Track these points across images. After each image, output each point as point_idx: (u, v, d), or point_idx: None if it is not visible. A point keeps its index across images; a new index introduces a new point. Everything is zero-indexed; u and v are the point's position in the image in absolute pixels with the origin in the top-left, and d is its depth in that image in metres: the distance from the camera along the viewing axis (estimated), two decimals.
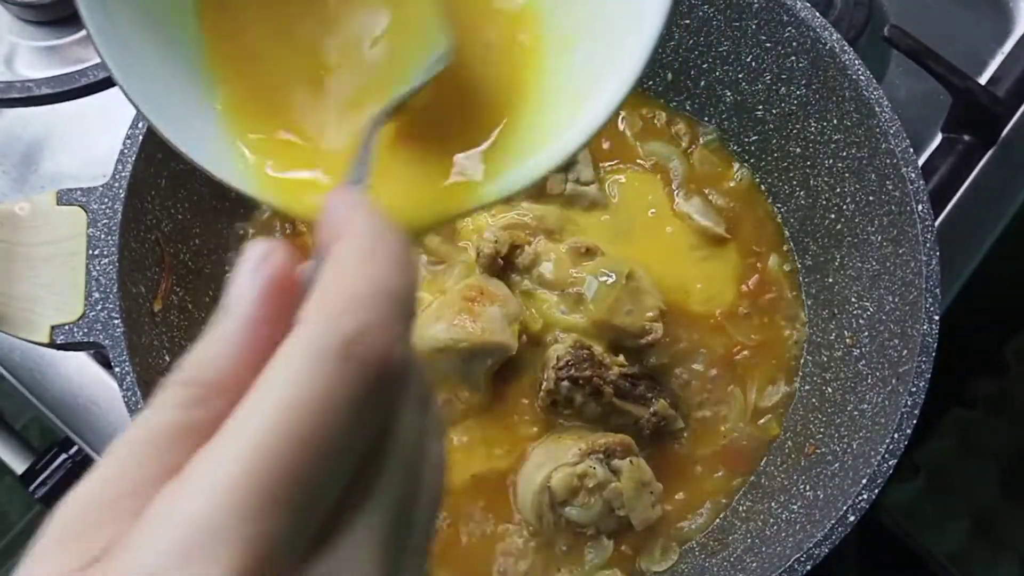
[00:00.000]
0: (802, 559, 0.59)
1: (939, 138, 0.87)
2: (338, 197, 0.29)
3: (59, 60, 0.91)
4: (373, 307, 0.25)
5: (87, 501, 0.25)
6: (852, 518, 0.59)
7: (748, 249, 0.79)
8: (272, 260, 0.28)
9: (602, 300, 0.71)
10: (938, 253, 0.64)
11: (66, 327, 0.60)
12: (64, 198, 0.63)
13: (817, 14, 0.69)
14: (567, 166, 0.77)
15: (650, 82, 0.83)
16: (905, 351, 0.64)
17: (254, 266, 0.28)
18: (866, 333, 0.70)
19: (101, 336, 0.60)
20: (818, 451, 0.69)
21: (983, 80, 0.89)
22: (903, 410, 0.61)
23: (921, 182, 0.65)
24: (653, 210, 0.79)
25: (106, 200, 0.63)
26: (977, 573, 0.97)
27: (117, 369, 0.60)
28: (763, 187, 0.81)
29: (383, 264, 0.26)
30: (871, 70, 0.68)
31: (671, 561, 0.69)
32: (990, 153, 0.85)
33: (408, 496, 0.28)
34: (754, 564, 0.64)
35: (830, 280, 0.75)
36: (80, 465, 0.80)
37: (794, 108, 0.74)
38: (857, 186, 0.71)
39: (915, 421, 0.61)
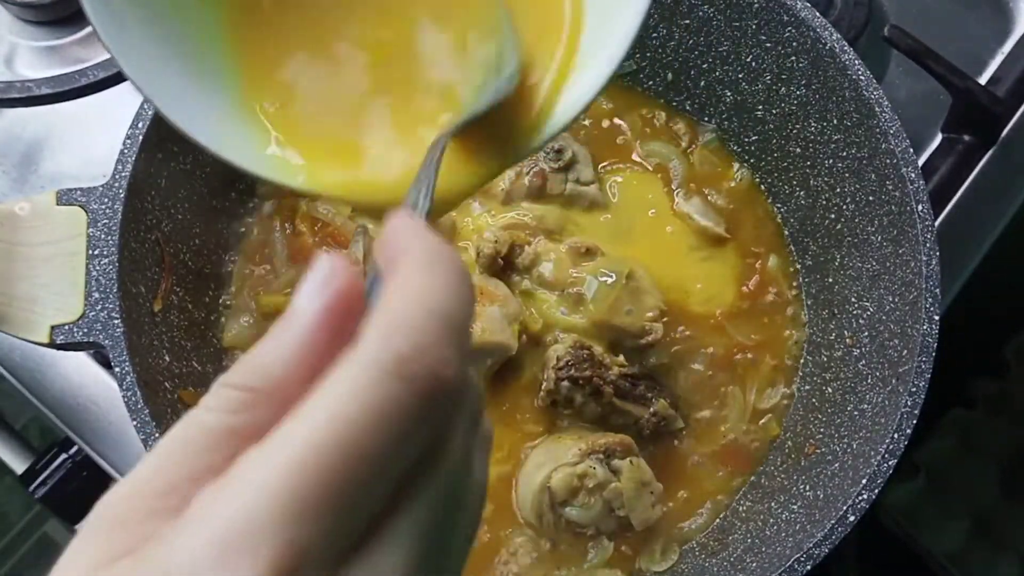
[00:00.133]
0: (802, 559, 0.59)
1: (939, 138, 0.87)
2: (400, 221, 0.30)
3: (59, 60, 0.91)
4: (428, 329, 0.26)
5: (127, 496, 0.26)
6: (852, 518, 0.59)
7: (748, 249, 0.79)
8: (341, 278, 0.28)
9: (602, 300, 0.71)
10: (938, 253, 0.64)
11: (66, 327, 0.60)
12: (64, 198, 0.63)
13: (817, 14, 0.69)
14: (567, 166, 0.77)
15: (650, 82, 0.83)
16: (905, 351, 0.64)
17: (323, 281, 0.28)
18: (866, 333, 0.70)
19: (101, 336, 0.60)
20: (818, 451, 0.69)
21: (983, 80, 0.89)
22: (903, 410, 0.61)
23: (921, 182, 0.65)
24: (653, 210, 0.79)
25: (106, 200, 0.63)
26: (977, 573, 0.97)
27: (117, 369, 0.60)
28: (763, 187, 0.81)
29: (440, 288, 0.27)
30: (871, 70, 0.68)
31: (671, 561, 0.69)
32: (990, 153, 0.85)
33: (448, 515, 0.29)
34: (754, 564, 0.64)
35: (830, 280, 0.75)
36: (80, 465, 0.80)
37: (794, 108, 0.74)
38: (857, 186, 0.71)
39: (915, 421, 0.61)
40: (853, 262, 0.72)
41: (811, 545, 0.59)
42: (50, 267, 0.61)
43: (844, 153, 0.71)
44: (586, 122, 0.82)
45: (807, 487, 0.67)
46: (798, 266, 0.79)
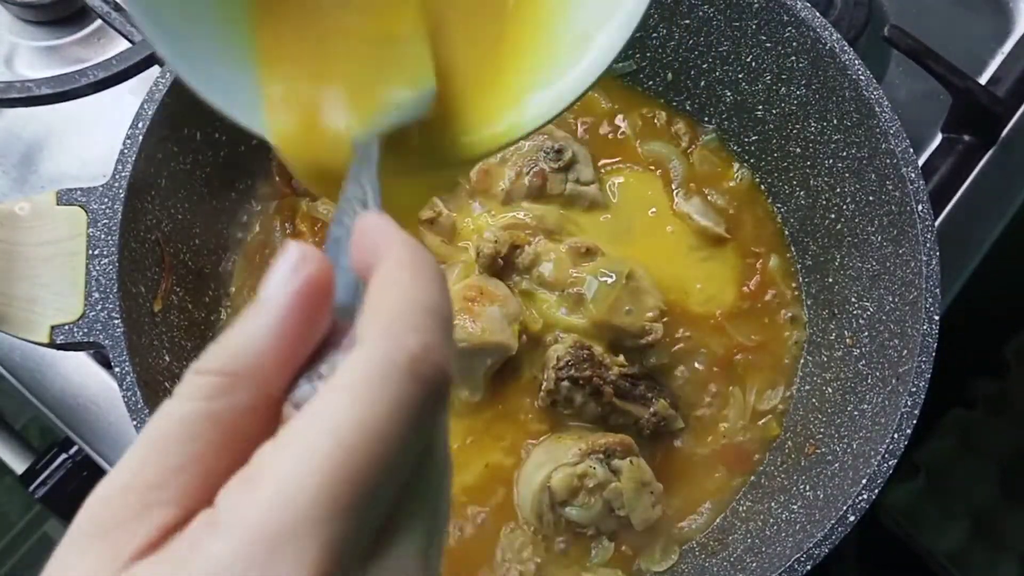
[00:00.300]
0: (802, 559, 0.59)
1: (939, 138, 0.87)
2: (373, 220, 0.30)
3: (59, 60, 0.91)
4: (432, 328, 0.27)
5: (117, 494, 0.26)
6: (852, 518, 0.59)
7: (748, 249, 0.79)
8: (311, 264, 0.28)
9: (602, 300, 0.71)
10: (938, 253, 0.64)
11: (66, 327, 0.60)
12: (64, 198, 0.63)
13: (817, 14, 0.69)
14: (567, 166, 0.77)
15: (650, 82, 0.83)
16: (905, 351, 0.64)
17: (293, 267, 0.28)
18: (866, 333, 0.70)
19: (101, 336, 0.60)
20: (818, 451, 0.69)
21: (983, 80, 0.89)
22: (903, 410, 0.61)
23: (921, 182, 0.65)
24: (653, 209, 0.79)
25: (106, 200, 0.63)
26: (977, 573, 0.97)
27: (117, 369, 0.60)
28: (763, 187, 0.81)
29: (430, 285, 0.28)
30: (871, 70, 0.68)
31: (671, 561, 0.69)
32: (990, 153, 0.85)
33: (442, 500, 0.30)
34: (754, 564, 0.64)
35: (830, 280, 0.75)
36: (80, 465, 0.80)
37: (794, 108, 0.74)
38: (857, 186, 0.71)
39: (915, 421, 0.61)
40: (853, 262, 0.72)
41: (811, 545, 0.59)
42: (50, 267, 0.61)
43: (844, 153, 0.71)
44: (586, 122, 0.82)
45: (807, 487, 0.67)
46: (798, 266, 0.79)
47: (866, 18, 0.88)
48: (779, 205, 0.80)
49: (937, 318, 0.63)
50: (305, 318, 0.28)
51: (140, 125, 0.64)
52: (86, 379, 0.79)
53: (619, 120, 0.82)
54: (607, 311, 0.71)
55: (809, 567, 0.59)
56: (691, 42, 0.78)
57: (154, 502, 0.25)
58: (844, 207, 0.73)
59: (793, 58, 0.72)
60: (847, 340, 0.72)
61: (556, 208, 0.77)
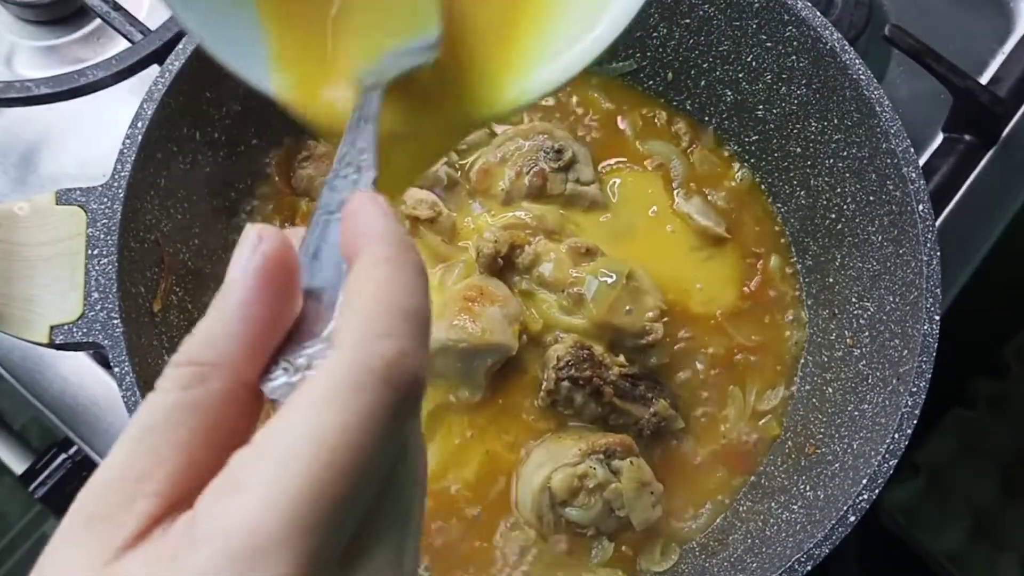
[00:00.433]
0: (802, 559, 0.59)
1: (940, 138, 0.87)
2: (361, 201, 0.30)
3: (59, 60, 0.91)
4: (406, 332, 0.27)
5: (105, 487, 0.26)
6: (852, 518, 0.59)
7: (748, 249, 0.79)
8: (267, 242, 0.29)
9: (602, 300, 0.71)
10: (939, 253, 0.64)
11: (65, 327, 0.60)
12: (63, 198, 0.63)
13: (818, 13, 0.69)
14: (567, 166, 0.77)
15: (650, 82, 0.82)
16: (905, 351, 0.64)
17: (250, 248, 0.28)
18: (866, 333, 0.70)
19: (100, 336, 0.60)
20: (818, 451, 0.69)
21: (984, 80, 0.89)
22: (903, 410, 0.61)
23: (922, 182, 0.65)
24: (653, 209, 0.79)
25: (105, 200, 0.62)
26: (977, 573, 0.97)
27: (116, 369, 0.59)
28: (763, 187, 0.81)
29: (409, 284, 0.28)
30: (872, 70, 0.68)
31: (671, 561, 0.69)
32: (991, 153, 0.85)
33: (416, 504, 0.30)
34: (754, 564, 0.64)
35: (830, 280, 0.75)
36: (80, 465, 0.80)
37: (794, 108, 0.74)
38: (858, 186, 0.71)
39: (915, 421, 0.61)
40: (854, 262, 0.72)
41: (811, 545, 0.59)
42: (49, 267, 0.61)
43: (845, 153, 0.71)
44: (586, 122, 0.82)
45: (807, 487, 0.67)
46: (798, 266, 0.79)
47: (867, 17, 0.88)
48: (779, 205, 0.80)
49: (937, 318, 0.63)
50: (269, 297, 0.28)
51: (139, 125, 0.64)
52: (86, 379, 0.79)
53: (619, 120, 0.82)
54: (607, 311, 0.70)
55: (809, 567, 0.59)
56: (691, 41, 0.77)
57: (139, 493, 0.26)
58: (845, 207, 0.73)
59: (794, 57, 0.72)
60: (847, 340, 0.72)
61: (556, 208, 0.77)
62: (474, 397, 0.71)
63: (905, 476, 0.99)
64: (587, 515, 0.66)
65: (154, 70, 0.77)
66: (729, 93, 0.79)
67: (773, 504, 0.68)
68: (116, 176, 0.63)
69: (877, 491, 0.60)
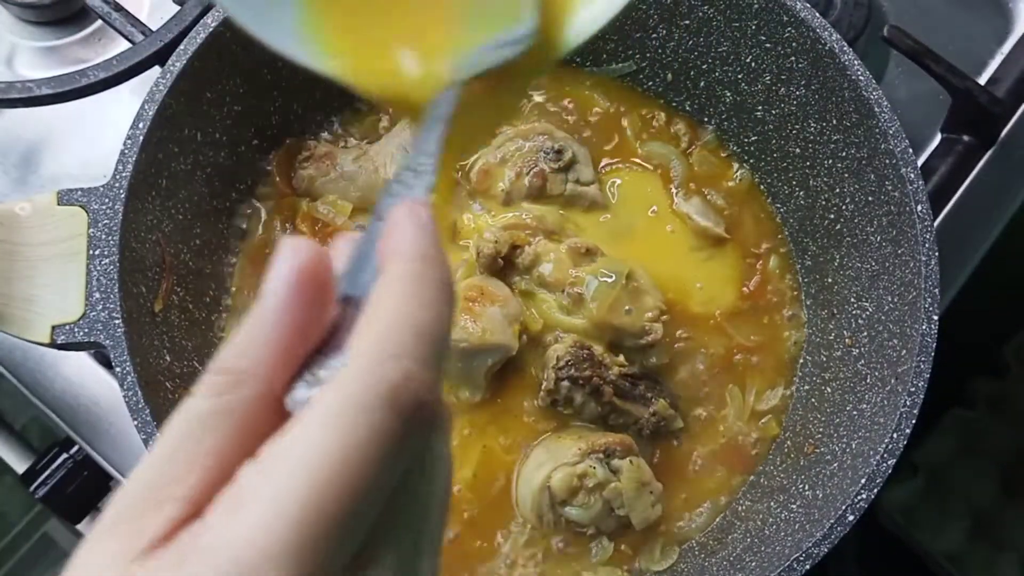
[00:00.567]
0: (801, 559, 0.59)
1: (938, 138, 0.87)
2: (403, 212, 0.31)
3: (59, 60, 0.91)
4: (417, 354, 0.27)
5: (139, 490, 0.27)
6: (851, 518, 0.59)
7: (748, 249, 0.79)
8: (301, 253, 0.29)
9: (602, 300, 0.71)
10: (937, 253, 0.64)
11: (67, 327, 0.60)
12: (65, 198, 0.63)
13: (817, 14, 0.69)
14: (567, 166, 0.77)
15: (650, 82, 0.83)
16: (904, 351, 0.64)
17: (284, 262, 0.29)
18: (865, 333, 0.70)
19: (102, 336, 0.60)
20: (817, 451, 0.69)
21: (983, 80, 0.89)
22: (902, 410, 0.61)
23: (920, 182, 0.65)
24: (653, 209, 0.80)
25: (107, 200, 0.63)
26: (977, 573, 0.97)
27: (118, 369, 0.60)
28: (763, 187, 0.81)
29: (429, 302, 0.28)
30: (870, 70, 0.68)
31: (671, 560, 0.70)
32: (989, 153, 0.86)
33: (424, 526, 0.30)
34: (753, 563, 0.64)
35: (830, 280, 0.75)
36: (81, 465, 0.80)
37: (794, 108, 0.74)
38: (856, 186, 0.71)
39: (914, 421, 0.61)
40: (852, 262, 0.72)
41: (810, 544, 0.59)
42: (51, 267, 0.61)
43: (843, 153, 0.71)
44: (586, 122, 0.82)
45: (806, 487, 0.67)
46: (798, 266, 0.79)
47: (865, 18, 0.88)
48: (779, 205, 0.80)
49: (936, 318, 0.63)
50: (300, 309, 0.29)
51: (140, 125, 0.64)
52: (87, 379, 0.79)
53: (619, 121, 0.82)
54: (607, 311, 0.71)
55: (808, 566, 0.59)
56: (691, 42, 0.78)
57: (169, 497, 0.27)
58: (843, 207, 0.73)
59: (793, 58, 0.72)
60: (846, 340, 0.72)
61: (556, 208, 0.77)
62: (474, 397, 0.71)
63: (904, 476, 0.99)
64: (587, 514, 0.67)
65: (155, 71, 0.78)
66: (728, 94, 0.79)
67: (772, 503, 0.69)
68: (117, 176, 0.63)
69: (876, 491, 0.60)
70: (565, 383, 0.68)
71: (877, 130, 0.67)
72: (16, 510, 1.56)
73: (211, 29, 0.67)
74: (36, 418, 1.37)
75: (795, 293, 0.78)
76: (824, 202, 0.75)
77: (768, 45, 0.73)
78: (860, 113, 0.68)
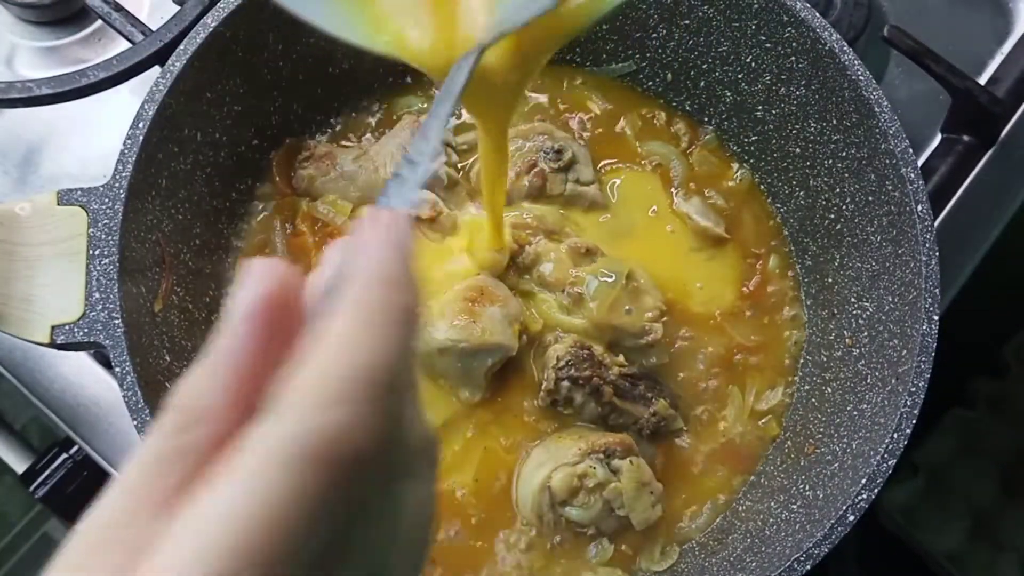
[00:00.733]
0: (802, 559, 0.59)
1: (939, 138, 0.87)
2: (366, 222, 0.28)
3: (59, 60, 0.91)
4: (360, 396, 0.25)
5: (95, 529, 0.26)
6: (852, 518, 0.59)
7: (748, 249, 0.79)
8: (265, 281, 0.27)
9: (602, 300, 0.71)
10: (937, 253, 0.64)
11: (66, 327, 0.60)
12: (65, 198, 0.63)
13: (817, 14, 0.69)
14: (567, 166, 0.77)
15: (650, 82, 0.83)
16: (904, 351, 0.64)
17: (248, 288, 0.27)
18: (865, 333, 0.70)
19: (101, 336, 0.60)
20: (818, 451, 0.69)
21: (983, 80, 0.89)
22: (902, 410, 0.61)
23: (921, 182, 0.65)
24: (653, 209, 0.80)
25: (106, 200, 0.63)
26: (977, 573, 0.97)
27: (117, 369, 0.60)
28: (763, 187, 0.81)
29: (384, 334, 0.26)
30: (871, 70, 0.68)
31: (671, 561, 0.70)
32: (989, 153, 0.86)
33: (383, 572, 0.29)
34: (754, 564, 0.64)
35: (830, 280, 0.75)
36: (80, 465, 0.80)
37: (794, 108, 0.74)
38: (857, 186, 0.71)
39: (914, 421, 0.61)
40: (853, 262, 0.72)
41: (811, 545, 0.59)
42: (51, 267, 0.61)
43: (844, 153, 0.71)
44: (586, 122, 0.82)
45: (807, 487, 0.67)
46: (798, 266, 0.79)
47: (866, 18, 0.88)
48: (779, 205, 0.80)
49: (936, 318, 0.63)
50: (263, 341, 0.27)
51: (140, 125, 0.64)
52: (87, 379, 0.79)
53: (619, 121, 0.82)
54: (607, 311, 0.71)
55: (809, 567, 0.59)
56: (691, 42, 0.78)
57: (117, 541, 0.25)
58: (844, 207, 0.73)
59: (793, 58, 0.72)
60: (847, 340, 0.72)
61: (556, 208, 0.77)
62: (474, 397, 0.71)
63: (904, 476, 0.99)
64: (587, 514, 0.67)
65: (155, 71, 0.78)
66: (728, 94, 0.79)
67: (772, 504, 0.69)
68: (117, 176, 0.63)
69: (876, 491, 0.60)
70: (565, 383, 0.68)
71: (877, 130, 0.67)
72: (16, 510, 1.56)
73: (211, 29, 0.67)
74: (36, 418, 1.37)
75: (795, 293, 0.78)
76: (824, 202, 0.75)
77: (768, 45, 0.73)
78: (860, 113, 0.68)
